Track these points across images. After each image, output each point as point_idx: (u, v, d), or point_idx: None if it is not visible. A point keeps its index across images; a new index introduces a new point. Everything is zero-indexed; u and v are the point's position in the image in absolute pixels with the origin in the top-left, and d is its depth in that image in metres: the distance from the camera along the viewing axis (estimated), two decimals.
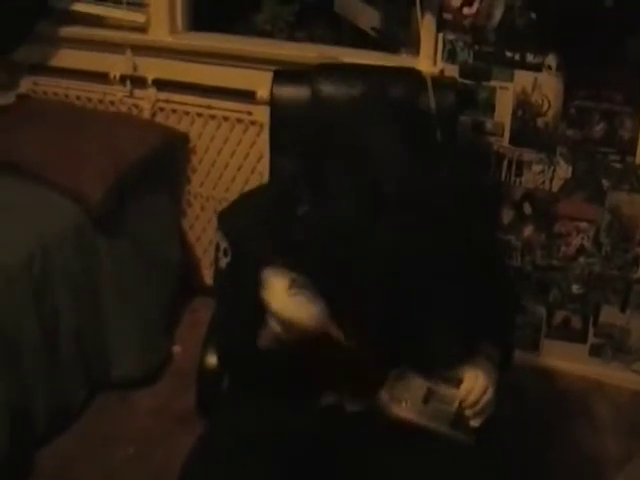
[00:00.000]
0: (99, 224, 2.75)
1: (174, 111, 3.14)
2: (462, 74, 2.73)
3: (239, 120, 3.06)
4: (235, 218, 1.87)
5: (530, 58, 2.67)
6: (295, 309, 1.59)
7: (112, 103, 3.19)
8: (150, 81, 3.11)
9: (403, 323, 1.67)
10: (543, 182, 2.79)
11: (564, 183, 2.78)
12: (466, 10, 2.66)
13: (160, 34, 3.09)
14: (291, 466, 1.64)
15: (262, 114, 2.84)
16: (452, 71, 2.73)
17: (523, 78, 2.70)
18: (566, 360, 2.94)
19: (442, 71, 2.74)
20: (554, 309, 2.93)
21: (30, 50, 3.18)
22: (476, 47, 2.71)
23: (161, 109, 3.15)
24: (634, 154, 2.68)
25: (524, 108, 2.73)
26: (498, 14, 2.64)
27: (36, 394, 2.49)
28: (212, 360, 1.90)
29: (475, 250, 1.79)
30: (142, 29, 3.11)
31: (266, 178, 2.53)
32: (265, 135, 2.47)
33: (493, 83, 2.73)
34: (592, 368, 2.92)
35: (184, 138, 3.15)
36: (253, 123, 3.03)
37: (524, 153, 2.79)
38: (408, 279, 1.65)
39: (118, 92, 3.17)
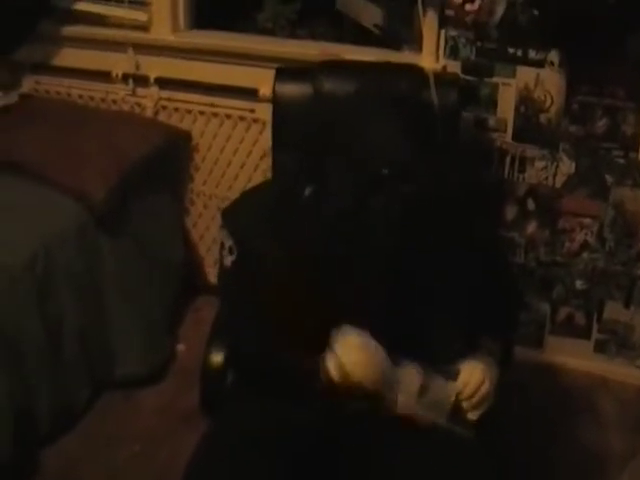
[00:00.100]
0: (102, 223, 2.75)
1: (176, 109, 3.14)
2: (464, 70, 2.73)
3: (242, 118, 3.06)
4: (239, 216, 1.87)
5: (532, 54, 2.66)
6: (362, 369, 1.63)
7: (114, 102, 3.19)
8: (152, 79, 3.11)
9: (405, 319, 1.67)
10: (546, 178, 2.79)
11: (567, 179, 2.77)
12: (468, 6, 2.65)
13: (162, 32, 3.09)
14: (295, 463, 1.64)
15: (265, 112, 2.83)
16: (454, 67, 2.73)
17: (525, 74, 2.69)
18: (570, 356, 2.94)
19: (444, 67, 2.73)
20: (558, 305, 2.92)
21: (32, 49, 3.18)
22: (478, 43, 2.70)
23: (163, 107, 3.15)
24: (637, 150, 2.67)
25: (526, 104, 2.73)
26: (500, 10, 2.64)
27: (40, 394, 2.49)
28: (216, 358, 1.90)
29: (478, 247, 1.79)
30: (144, 28, 3.11)
31: (269, 176, 2.53)
32: (268, 133, 2.47)
33: (495, 79, 2.73)
34: (596, 364, 2.92)
35: (187, 136, 3.15)
36: (256, 121, 3.03)
37: (527, 149, 2.78)
38: (410, 274, 1.64)
39: (120, 91, 3.17)
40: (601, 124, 2.69)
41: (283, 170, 2.23)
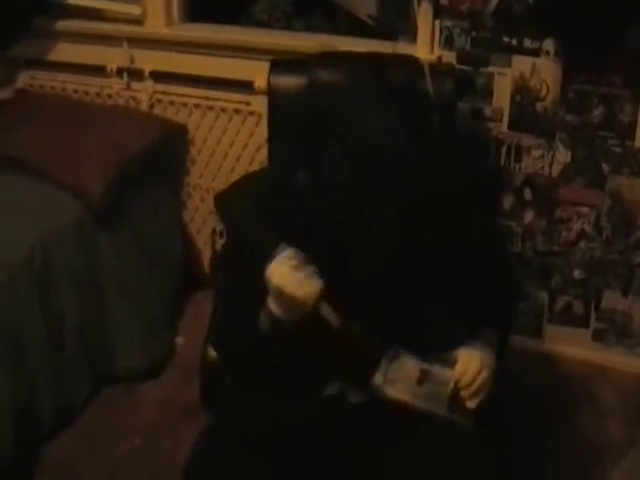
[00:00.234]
0: (100, 219, 2.75)
1: (172, 103, 3.14)
2: (460, 60, 2.73)
3: (237, 111, 3.06)
4: (232, 201, 1.86)
5: (528, 43, 2.66)
6: (290, 282, 1.58)
7: (109, 96, 3.19)
8: (147, 73, 3.10)
9: (400, 311, 1.67)
10: (543, 167, 2.79)
11: (564, 168, 2.77)
12: None
13: (156, 26, 3.08)
14: (292, 459, 1.64)
15: (260, 104, 2.82)
16: (450, 57, 2.73)
17: (521, 63, 2.69)
18: (569, 345, 2.94)
19: (440, 58, 2.73)
20: (556, 294, 2.93)
21: (27, 44, 3.17)
22: (473, 33, 2.70)
23: (159, 101, 3.15)
24: (633, 138, 2.67)
25: (522, 93, 2.72)
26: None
27: (41, 390, 2.49)
28: (214, 353, 1.90)
29: (475, 238, 1.79)
30: (138, 21, 3.10)
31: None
32: (263, 125, 2.47)
33: (491, 69, 2.72)
34: (595, 353, 2.92)
35: (182, 130, 3.14)
36: (251, 113, 3.02)
37: (523, 138, 2.78)
38: (406, 267, 1.64)
39: (115, 85, 3.17)
40: (597, 113, 2.68)
41: (278, 158, 2.22)
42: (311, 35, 3.07)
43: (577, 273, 2.87)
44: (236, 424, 1.71)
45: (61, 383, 2.56)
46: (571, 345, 2.94)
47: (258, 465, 1.61)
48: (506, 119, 2.77)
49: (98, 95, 3.20)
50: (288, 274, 1.58)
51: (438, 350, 1.71)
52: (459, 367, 1.70)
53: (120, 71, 3.14)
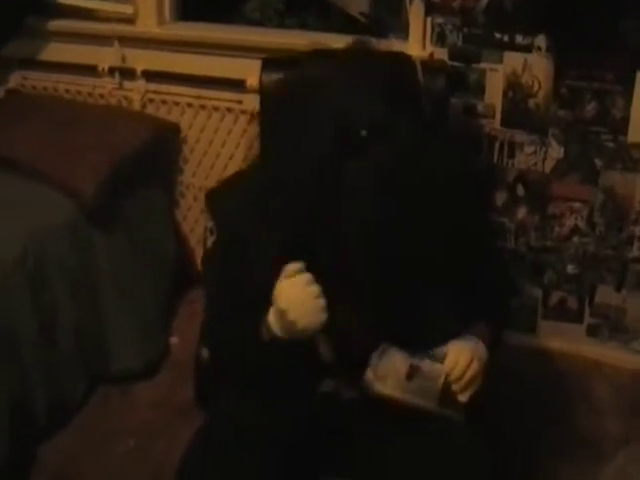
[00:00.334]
0: (93, 218, 2.75)
1: (164, 102, 3.13)
2: (451, 57, 2.73)
3: (229, 109, 3.06)
4: (223, 198, 1.84)
5: (519, 39, 2.66)
6: (295, 309, 1.58)
7: (101, 96, 3.18)
8: (139, 72, 3.10)
9: (389, 304, 1.65)
10: (535, 163, 2.79)
11: (556, 164, 2.77)
12: None
13: (148, 25, 3.08)
14: (287, 456, 1.64)
15: (252, 103, 2.82)
16: (441, 54, 2.72)
17: (513, 59, 2.69)
18: (563, 341, 2.94)
19: (431, 54, 2.73)
20: (550, 290, 2.93)
21: (19, 44, 3.17)
22: (465, 29, 2.70)
23: (151, 100, 3.14)
24: (626, 133, 2.67)
25: (515, 89, 2.72)
26: None
27: (35, 389, 2.49)
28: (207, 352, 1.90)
29: (468, 233, 1.78)
30: (130, 20, 3.10)
31: None
32: (256, 124, 2.47)
33: (483, 65, 2.72)
34: (589, 348, 2.92)
35: (175, 129, 3.14)
36: (244, 112, 3.02)
37: (516, 134, 2.78)
38: (391, 250, 1.59)
39: (107, 84, 3.17)
40: (590, 108, 2.68)
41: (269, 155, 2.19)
42: (303, 33, 3.07)
43: (570, 268, 2.88)
44: (231, 422, 1.70)
45: (55, 382, 2.56)
46: (565, 340, 2.94)
47: (253, 462, 1.61)
48: (498, 115, 2.77)
49: (90, 95, 3.20)
50: (295, 300, 1.58)
51: (430, 345, 1.70)
52: (449, 360, 1.68)
53: (112, 70, 3.13)
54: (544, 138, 2.76)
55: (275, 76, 2.32)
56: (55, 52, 3.19)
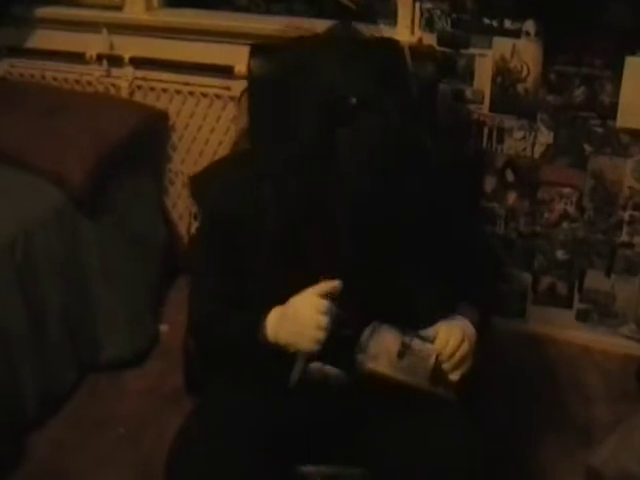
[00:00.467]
0: (82, 206, 2.74)
1: (152, 89, 3.12)
2: (440, 42, 2.72)
3: (218, 96, 3.04)
4: (207, 183, 1.84)
5: (508, 24, 2.65)
6: (290, 329, 1.63)
7: (89, 83, 3.17)
8: (127, 59, 3.08)
9: (378, 281, 1.66)
10: (524, 149, 2.79)
11: (546, 149, 2.77)
12: None
13: (135, 11, 3.07)
14: (277, 444, 1.65)
15: (241, 89, 2.81)
16: (430, 40, 2.71)
17: (502, 45, 2.68)
18: (553, 326, 2.95)
19: (420, 40, 2.72)
20: (539, 275, 2.93)
21: (5, 32, 3.16)
22: (454, 15, 2.69)
23: (139, 87, 3.13)
24: (615, 118, 2.67)
25: (503, 75, 2.72)
26: None
27: (25, 378, 2.49)
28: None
29: (455, 216, 1.78)
30: (117, 7, 3.08)
31: None
32: (241, 108, 2.46)
33: (472, 50, 2.72)
34: (579, 333, 2.93)
35: (163, 116, 3.13)
36: (232, 98, 3.00)
37: (505, 120, 2.78)
38: (381, 229, 1.58)
39: (95, 72, 3.15)
40: (579, 93, 2.68)
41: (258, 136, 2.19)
42: (291, 19, 3.05)
43: (560, 254, 2.88)
44: (220, 409, 1.71)
45: (45, 371, 2.55)
46: (555, 326, 2.95)
47: (242, 449, 1.61)
48: (487, 101, 2.77)
49: (78, 82, 3.18)
50: (302, 321, 1.61)
51: (418, 327, 1.71)
52: (440, 340, 1.69)
53: (100, 58, 3.11)
54: (533, 123, 2.75)
55: (263, 62, 2.31)
56: (42, 39, 3.17)
